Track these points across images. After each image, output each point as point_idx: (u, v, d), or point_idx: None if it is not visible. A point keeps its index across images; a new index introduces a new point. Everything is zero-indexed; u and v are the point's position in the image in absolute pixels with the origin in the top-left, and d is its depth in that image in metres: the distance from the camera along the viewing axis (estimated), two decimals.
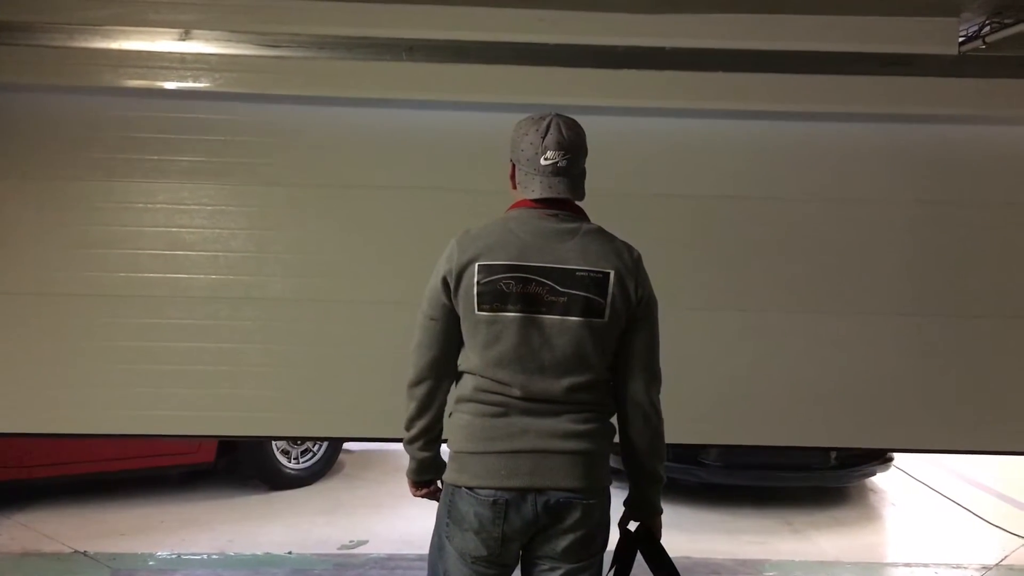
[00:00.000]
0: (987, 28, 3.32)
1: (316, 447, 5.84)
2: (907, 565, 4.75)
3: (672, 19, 3.37)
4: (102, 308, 3.83)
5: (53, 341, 3.82)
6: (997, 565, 4.65)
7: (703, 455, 5.41)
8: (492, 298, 2.06)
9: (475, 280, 2.07)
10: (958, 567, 4.61)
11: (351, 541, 4.76)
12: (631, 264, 2.13)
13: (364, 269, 3.90)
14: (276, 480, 5.69)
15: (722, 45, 3.47)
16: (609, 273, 2.09)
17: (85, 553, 4.43)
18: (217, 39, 3.56)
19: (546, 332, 2.07)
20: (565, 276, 2.07)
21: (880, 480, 6.06)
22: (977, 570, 4.57)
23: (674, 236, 3.89)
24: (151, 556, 4.45)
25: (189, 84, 3.68)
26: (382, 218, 3.90)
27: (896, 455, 5.83)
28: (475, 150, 3.80)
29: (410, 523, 4.89)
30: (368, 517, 5.21)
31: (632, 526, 2.29)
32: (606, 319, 2.09)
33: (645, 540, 2.26)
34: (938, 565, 4.64)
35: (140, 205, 3.86)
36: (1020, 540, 4.94)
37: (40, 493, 5.21)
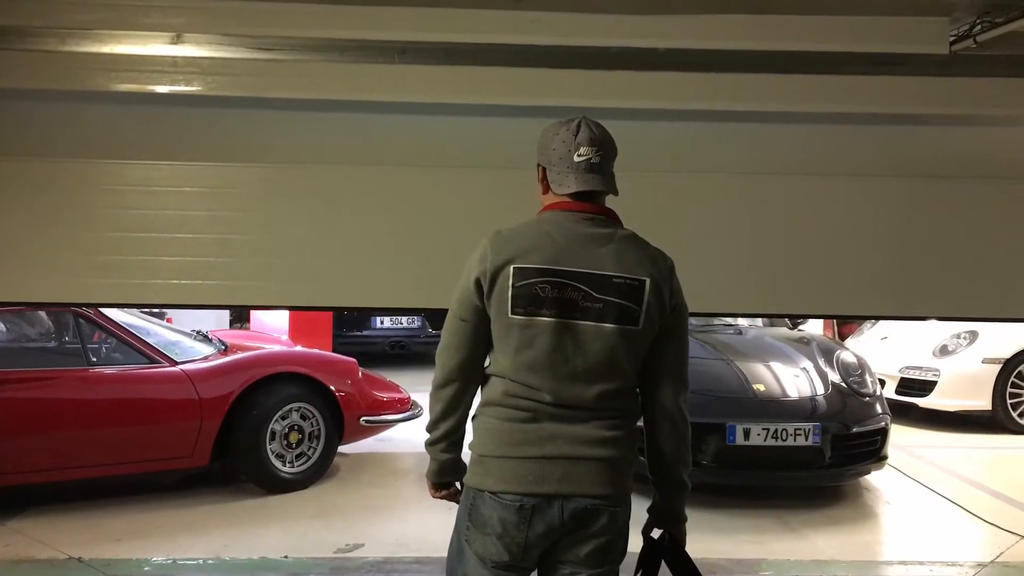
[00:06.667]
0: (978, 27, 3.33)
1: (311, 451, 5.82)
2: (902, 563, 4.76)
3: (665, 20, 3.36)
4: (96, 173, 3.75)
5: (47, 206, 3.74)
6: (992, 562, 4.66)
7: (699, 456, 5.42)
8: (527, 302, 2.05)
9: (510, 283, 2.05)
10: (953, 565, 4.62)
11: (347, 545, 4.74)
12: (666, 272, 2.14)
13: (373, 134, 3.81)
14: (271, 484, 5.66)
15: (715, 46, 3.46)
16: (645, 281, 2.08)
17: (80, 559, 4.41)
18: (209, 42, 3.54)
19: (580, 338, 2.06)
20: (601, 282, 2.06)
21: (874, 478, 6.06)
22: (972, 567, 4.58)
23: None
24: (146, 562, 4.43)
25: (181, 88, 3.66)
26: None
27: (890, 455, 5.85)
28: None
29: (406, 526, 4.88)
30: (364, 520, 5.19)
31: (655, 534, 2.29)
32: (640, 327, 2.08)
33: (670, 548, 2.26)
34: (933, 563, 4.65)
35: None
36: (1015, 537, 4.95)
37: (34, 499, 5.18)
